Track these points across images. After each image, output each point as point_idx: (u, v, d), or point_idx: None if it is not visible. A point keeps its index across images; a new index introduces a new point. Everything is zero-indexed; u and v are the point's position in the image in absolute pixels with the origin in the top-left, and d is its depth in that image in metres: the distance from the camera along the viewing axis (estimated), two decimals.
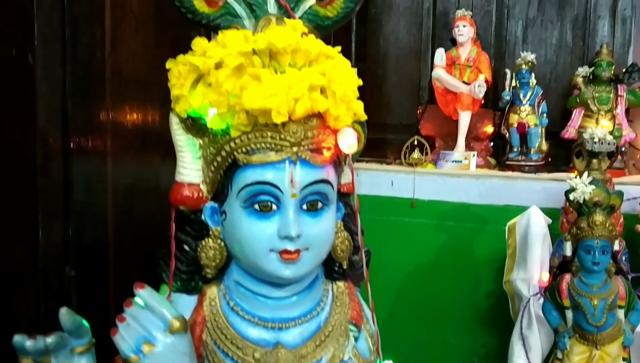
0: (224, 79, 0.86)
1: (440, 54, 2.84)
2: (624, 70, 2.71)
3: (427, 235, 2.68)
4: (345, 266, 1.04)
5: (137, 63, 1.55)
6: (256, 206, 0.91)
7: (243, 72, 0.86)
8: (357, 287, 1.11)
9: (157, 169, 1.65)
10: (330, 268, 1.04)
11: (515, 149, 2.76)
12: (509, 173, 2.67)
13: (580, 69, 2.74)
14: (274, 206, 0.91)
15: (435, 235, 2.67)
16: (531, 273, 2.07)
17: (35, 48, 1.26)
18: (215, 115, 0.89)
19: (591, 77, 2.69)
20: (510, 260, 2.22)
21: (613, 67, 2.65)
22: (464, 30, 2.83)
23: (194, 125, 0.94)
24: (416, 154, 2.78)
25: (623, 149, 2.79)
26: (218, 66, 0.87)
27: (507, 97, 2.76)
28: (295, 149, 0.90)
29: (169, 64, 0.93)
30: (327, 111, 0.90)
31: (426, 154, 2.81)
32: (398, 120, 3.21)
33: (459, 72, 2.86)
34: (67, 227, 1.36)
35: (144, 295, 0.84)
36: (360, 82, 0.96)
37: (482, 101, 2.82)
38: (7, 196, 1.31)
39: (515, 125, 2.73)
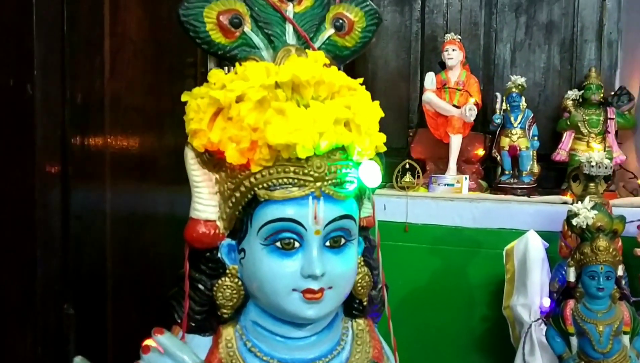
0: (246, 113, 0.82)
1: (430, 78, 2.84)
2: (612, 93, 2.74)
3: (421, 259, 2.66)
4: (365, 303, 1.01)
5: (135, 91, 1.51)
6: (278, 244, 0.88)
7: (266, 105, 0.83)
8: (375, 324, 1.07)
9: (155, 199, 1.61)
10: (350, 305, 1.01)
11: (507, 172, 2.76)
12: (502, 196, 2.66)
13: (570, 92, 2.76)
14: (297, 244, 0.88)
15: (429, 259, 2.65)
16: (532, 299, 2.05)
17: (34, 78, 1.21)
18: (235, 150, 0.85)
19: (581, 100, 2.71)
20: (509, 285, 2.20)
21: (602, 90, 2.67)
22: (454, 54, 2.84)
23: (211, 159, 0.90)
24: (408, 177, 2.76)
25: (616, 171, 2.81)
26: (239, 99, 0.84)
27: (498, 121, 2.76)
28: (318, 184, 0.86)
29: (184, 97, 0.89)
30: (351, 144, 0.88)
31: (418, 177, 2.79)
32: (388, 143, 3.10)
33: (448, 96, 2.87)
34: (65, 262, 1.30)
35: (163, 341, 0.79)
36: (382, 114, 0.94)
37: (473, 124, 2.82)
38: (4, 230, 1.25)
39: (507, 148, 2.73)
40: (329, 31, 0.97)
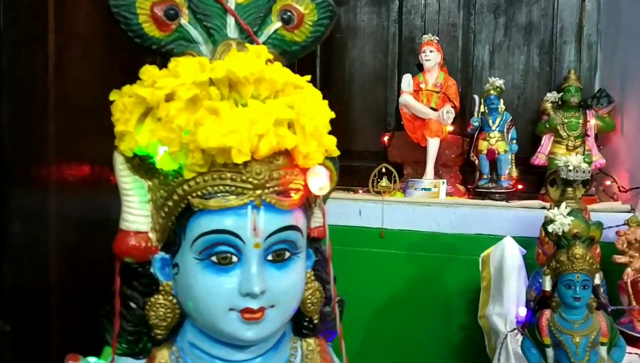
0: (175, 114, 0.74)
1: (407, 80, 2.77)
2: (592, 95, 2.68)
3: (397, 265, 2.61)
4: (316, 321, 0.92)
5: (85, 90, 1.42)
6: (213, 258, 0.79)
7: (198, 105, 0.74)
8: (329, 342, 0.99)
9: (109, 204, 1.51)
10: (299, 324, 0.92)
11: (485, 176, 2.70)
12: (480, 201, 2.60)
13: (549, 95, 2.70)
14: (234, 258, 0.79)
15: (406, 265, 2.60)
16: (507, 308, 1.98)
17: None
18: (166, 154, 0.77)
19: (560, 102, 2.65)
20: (485, 294, 2.14)
21: (581, 93, 2.62)
22: (431, 56, 2.78)
23: (142, 165, 0.82)
24: (384, 182, 2.70)
25: (595, 175, 2.76)
26: (169, 98, 0.75)
27: (476, 124, 2.70)
28: (258, 192, 0.78)
29: (112, 96, 0.81)
30: (295, 148, 0.79)
31: (394, 182, 2.72)
32: (364, 147, 3.13)
33: (426, 98, 2.80)
34: (1, 272, 1.21)
35: None
36: (332, 114, 0.86)
37: (451, 127, 2.76)
38: None
39: (485, 152, 2.66)
40: (275, 24, 0.88)
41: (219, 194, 0.78)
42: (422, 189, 2.69)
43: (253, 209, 0.78)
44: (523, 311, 1.93)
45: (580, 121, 2.60)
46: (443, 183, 2.67)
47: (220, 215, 0.78)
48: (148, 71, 0.80)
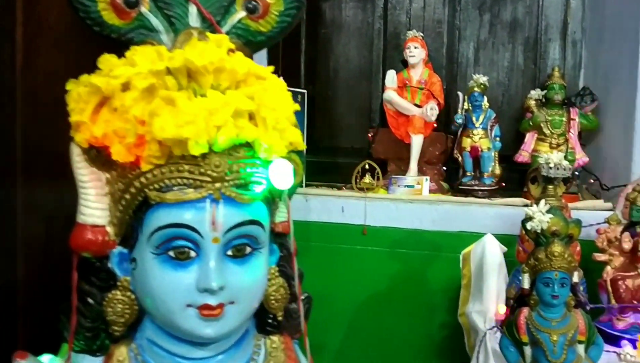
0: (131, 104, 0.72)
1: (391, 76, 2.75)
2: (576, 93, 2.68)
3: (379, 262, 2.60)
4: (280, 318, 0.90)
5: (55, 83, 1.38)
6: (171, 253, 0.77)
7: (154, 95, 0.72)
8: (295, 340, 0.97)
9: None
10: (263, 321, 0.90)
11: (468, 174, 2.68)
12: (463, 198, 2.59)
13: (532, 92, 2.68)
14: (193, 253, 0.77)
15: (388, 262, 2.59)
16: (487, 306, 1.97)
17: None
18: (122, 145, 0.74)
19: (544, 100, 2.64)
20: (465, 291, 2.13)
21: (565, 90, 2.61)
22: (416, 52, 2.76)
23: (99, 157, 0.79)
24: (367, 179, 2.68)
25: (577, 173, 2.76)
26: (125, 87, 0.73)
27: (460, 121, 2.68)
28: (217, 185, 0.76)
29: (69, 85, 0.78)
30: (256, 140, 0.77)
31: (378, 178, 2.71)
32: (349, 143, 3.11)
33: (410, 95, 2.79)
34: None
35: None
36: (297, 106, 0.84)
37: (435, 124, 2.74)
38: None
39: (468, 149, 2.65)
40: (239, 14, 0.86)
41: (176, 187, 0.76)
42: (405, 186, 2.67)
43: (212, 203, 0.76)
44: (502, 309, 1.92)
45: (564, 119, 2.59)
46: (426, 180, 2.66)
47: (178, 209, 0.76)
48: (106, 60, 0.78)
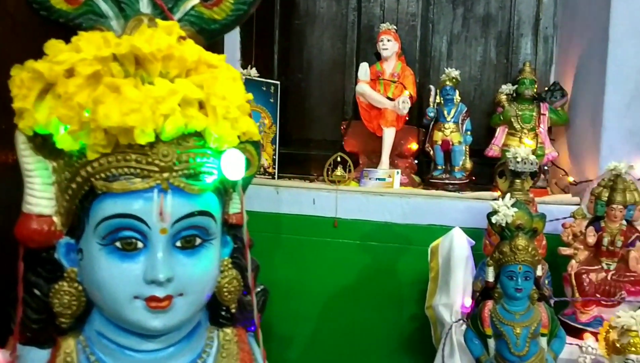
0: (75, 90, 0.70)
1: (364, 69, 2.74)
2: (546, 88, 2.70)
3: (349, 255, 2.59)
4: (233, 310, 0.89)
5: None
6: (117, 244, 0.76)
7: (99, 82, 0.70)
8: (250, 332, 0.96)
9: None
10: (216, 313, 0.89)
11: (439, 167, 2.69)
12: (433, 192, 2.60)
13: (503, 87, 2.70)
14: (140, 244, 0.76)
15: (358, 255, 2.59)
16: (453, 299, 1.97)
17: None
18: (66, 133, 0.72)
19: (514, 94, 2.65)
20: (432, 284, 2.13)
21: (536, 85, 2.62)
22: (389, 45, 2.75)
23: (45, 145, 0.77)
24: (339, 171, 2.67)
25: (546, 168, 2.78)
26: (70, 74, 0.71)
27: (432, 114, 2.69)
28: (165, 175, 0.75)
29: (13, 71, 0.76)
30: (206, 130, 0.76)
31: (349, 171, 2.70)
32: (322, 135, 3.10)
33: (383, 88, 2.78)
34: None
35: None
36: (250, 96, 0.82)
37: (407, 118, 2.74)
38: None
39: (440, 142, 2.66)
40: (192, 1, 0.84)
41: (123, 177, 0.74)
42: (377, 179, 2.67)
43: (160, 193, 0.75)
44: (468, 302, 1.93)
45: (534, 114, 2.60)
46: (397, 173, 2.66)
47: (125, 199, 0.74)
48: (53, 46, 0.76)
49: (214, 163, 0.79)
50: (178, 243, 0.78)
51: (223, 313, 0.89)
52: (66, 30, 0.80)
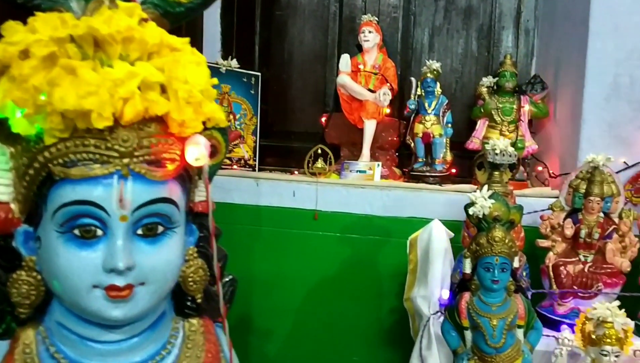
0: (30, 72, 0.68)
1: (345, 60, 2.73)
2: (527, 81, 2.70)
3: (330, 247, 2.59)
4: (199, 300, 0.87)
5: None
6: (76, 232, 0.73)
7: (55, 63, 0.68)
8: (217, 323, 0.94)
9: None
10: (182, 303, 0.87)
11: (420, 160, 2.69)
12: (413, 184, 2.59)
13: (484, 79, 2.69)
14: (99, 232, 0.74)
15: (339, 247, 2.58)
16: (432, 290, 1.97)
17: None
18: (22, 117, 0.70)
19: (495, 87, 2.65)
20: (411, 276, 2.13)
21: (517, 78, 2.62)
22: (370, 36, 2.73)
23: (2, 129, 0.75)
24: (319, 163, 2.66)
25: (526, 161, 2.78)
26: (25, 55, 0.69)
27: (412, 106, 2.68)
28: (126, 161, 0.73)
29: None
30: (168, 115, 0.74)
31: (330, 163, 2.69)
32: (303, 127, 3.08)
33: (364, 80, 2.76)
34: None
35: None
36: (215, 81, 0.80)
37: (388, 110, 2.73)
38: None
39: (420, 135, 2.65)
40: None
41: (81, 163, 0.72)
42: (357, 171, 2.66)
43: (119, 179, 0.73)
44: (446, 294, 1.93)
45: (515, 107, 2.61)
46: (378, 165, 2.65)
47: (83, 185, 0.72)
48: (10, 27, 0.73)
49: (177, 148, 0.77)
50: (139, 231, 0.76)
51: (189, 303, 0.87)
52: (25, 12, 0.77)
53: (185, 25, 2.28)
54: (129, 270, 0.73)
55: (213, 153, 0.84)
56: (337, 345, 2.63)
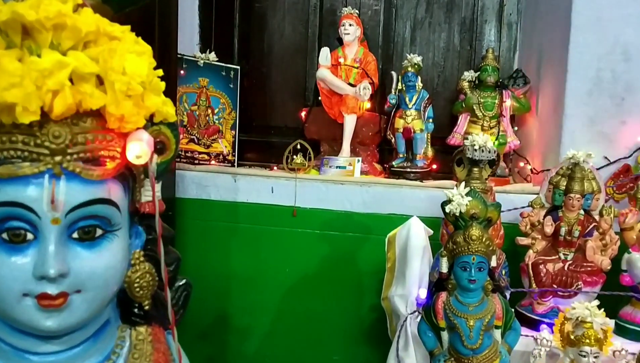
0: None
1: (325, 53, 2.67)
2: (508, 75, 2.66)
3: (309, 245, 2.56)
4: (147, 307, 0.82)
5: None
6: (4, 235, 0.68)
7: None
8: (168, 330, 0.88)
9: None
10: (128, 310, 0.82)
11: (400, 155, 2.64)
12: (394, 180, 2.55)
13: (466, 73, 2.65)
14: (30, 236, 0.68)
15: (318, 245, 2.55)
16: (409, 290, 1.93)
17: None
18: None
19: (477, 82, 2.60)
20: (389, 275, 2.08)
21: (499, 72, 2.57)
22: (350, 29, 2.68)
23: None
24: (299, 159, 2.61)
25: (510, 156, 2.75)
26: None
27: (393, 101, 2.63)
28: (58, 158, 0.67)
29: None
30: (105, 109, 0.68)
31: (309, 159, 2.64)
32: (283, 122, 3.03)
33: (344, 73, 2.71)
34: None
35: None
36: (160, 72, 0.74)
37: (369, 104, 2.68)
38: None
39: (401, 130, 2.61)
40: None
41: (9, 161, 0.66)
42: (337, 167, 2.62)
43: (51, 178, 0.67)
44: (423, 293, 1.89)
45: (496, 101, 2.56)
46: (358, 161, 2.60)
47: (11, 185, 0.66)
48: None
49: (117, 145, 0.72)
50: (75, 235, 0.70)
51: (136, 310, 0.82)
52: None
53: (158, 17, 2.21)
54: (62, 277, 0.68)
55: (161, 150, 0.78)
56: (317, 343, 2.60)
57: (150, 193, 0.80)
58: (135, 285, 0.79)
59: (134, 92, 0.69)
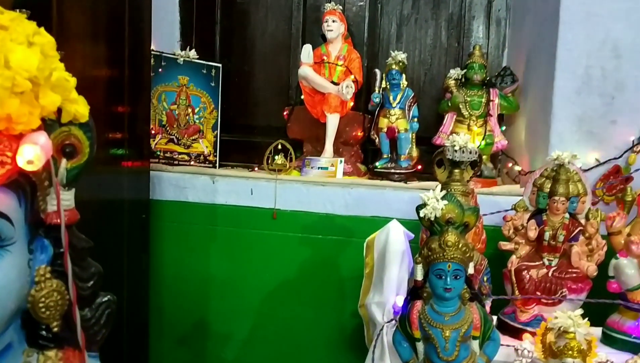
0: None
1: (307, 51, 2.59)
2: (496, 73, 2.57)
3: (289, 248, 2.50)
4: (55, 329, 0.73)
5: None
6: None
7: None
8: (93, 352, 0.80)
9: None
10: (34, 332, 0.73)
11: (384, 156, 2.55)
12: (377, 182, 2.47)
13: (452, 71, 2.56)
14: None
15: (298, 248, 2.49)
16: (387, 297, 1.84)
17: None
18: None
19: (463, 80, 2.51)
20: (367, 281, 2.00)
21: (486, 70, 2.49)
22: (334, 26, 2.60)
23: None
24: (279, 159, 2.53)
25: (499, 157, 2.67)
26: None
27: (377, 100, 2.54)
28: None
29: None
30: None
31: (291, 160, 2.56)
32: (266, 121, 2.95)
33: (328, 71, 2.63)
34: None
35: None
36: (61, 66, 0.66)
37: (352, 103, 2.60)
38: None
39: (385, 130, 2.52)
40: None
41: None
42: (319, 168, 2.53)
43: None
44: (401, 301, 1.80)
45: (483, 100, 2.48)
46: (340, 161, 2.52)
47: None
48: None
49: (8, 149, 0.63)
50: None
51: (43, 332, 0.74)
52: None
53: (128, 10, 2.12)
54: None
55: (71, 153, 0.70)
56: (298, 349, 2.53)
57: (64, 202, 0.72)
58: (40, 304, 0.71)
59: (20, 88, 0.60)
